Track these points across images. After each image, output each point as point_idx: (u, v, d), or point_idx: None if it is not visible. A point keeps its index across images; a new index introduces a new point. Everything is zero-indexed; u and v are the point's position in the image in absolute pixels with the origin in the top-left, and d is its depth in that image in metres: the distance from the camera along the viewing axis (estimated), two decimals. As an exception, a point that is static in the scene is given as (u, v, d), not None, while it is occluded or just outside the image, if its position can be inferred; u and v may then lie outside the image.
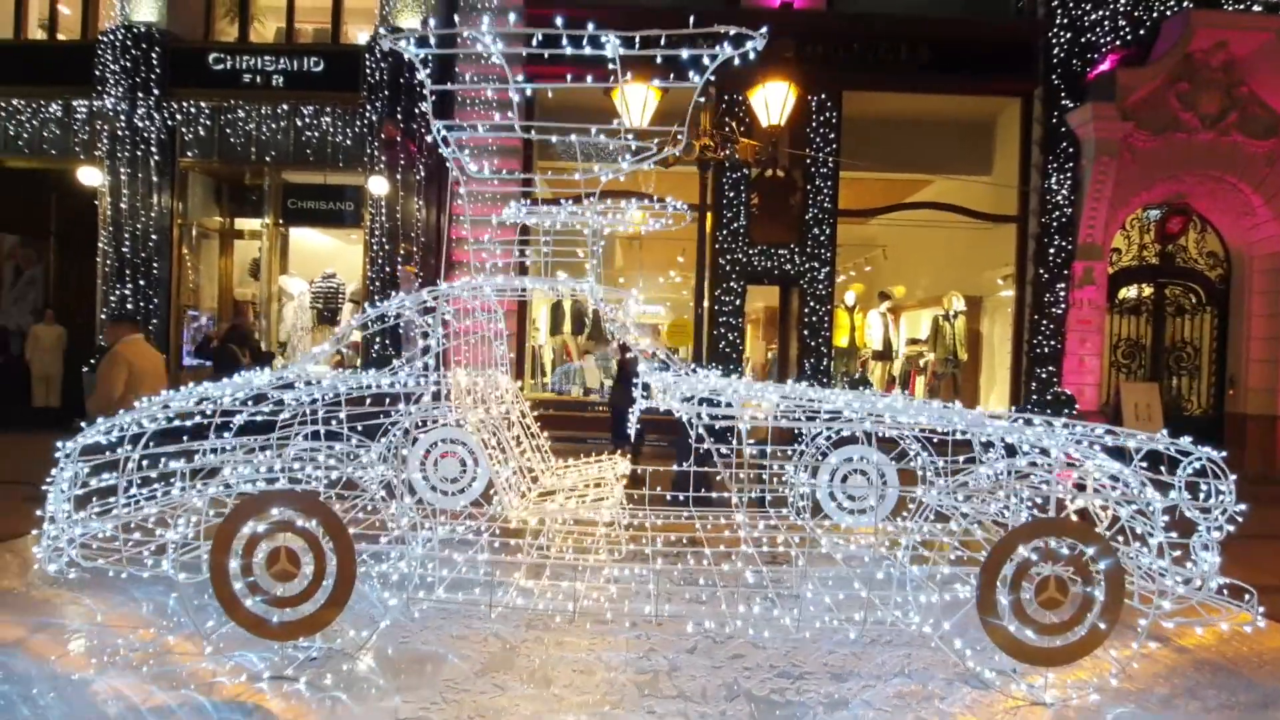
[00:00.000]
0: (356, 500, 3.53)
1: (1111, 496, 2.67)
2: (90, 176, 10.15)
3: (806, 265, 11.24)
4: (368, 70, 9.78)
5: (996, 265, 12.15)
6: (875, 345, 12.42)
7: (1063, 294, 10.85)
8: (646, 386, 3.32)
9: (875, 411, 3.11)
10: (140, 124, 10.01)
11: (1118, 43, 10.77)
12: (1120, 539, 2.79)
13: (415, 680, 2.61)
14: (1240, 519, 2.71)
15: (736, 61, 2.87)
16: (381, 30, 3.01)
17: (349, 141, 10.23)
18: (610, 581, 3.25)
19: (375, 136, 9.79)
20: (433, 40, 3.00)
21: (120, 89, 9.94)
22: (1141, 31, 10.73)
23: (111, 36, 9.96)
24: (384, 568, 2.99)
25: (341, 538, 2.61)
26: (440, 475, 4.07)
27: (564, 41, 2.61)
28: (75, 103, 10.24)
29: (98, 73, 9.95)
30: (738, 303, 11.29)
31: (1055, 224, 10.90)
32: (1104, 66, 10.69)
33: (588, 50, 2.62)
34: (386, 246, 9.93)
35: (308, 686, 2.53)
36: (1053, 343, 10.91)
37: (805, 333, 11.29)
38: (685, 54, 2.75)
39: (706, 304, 11.33)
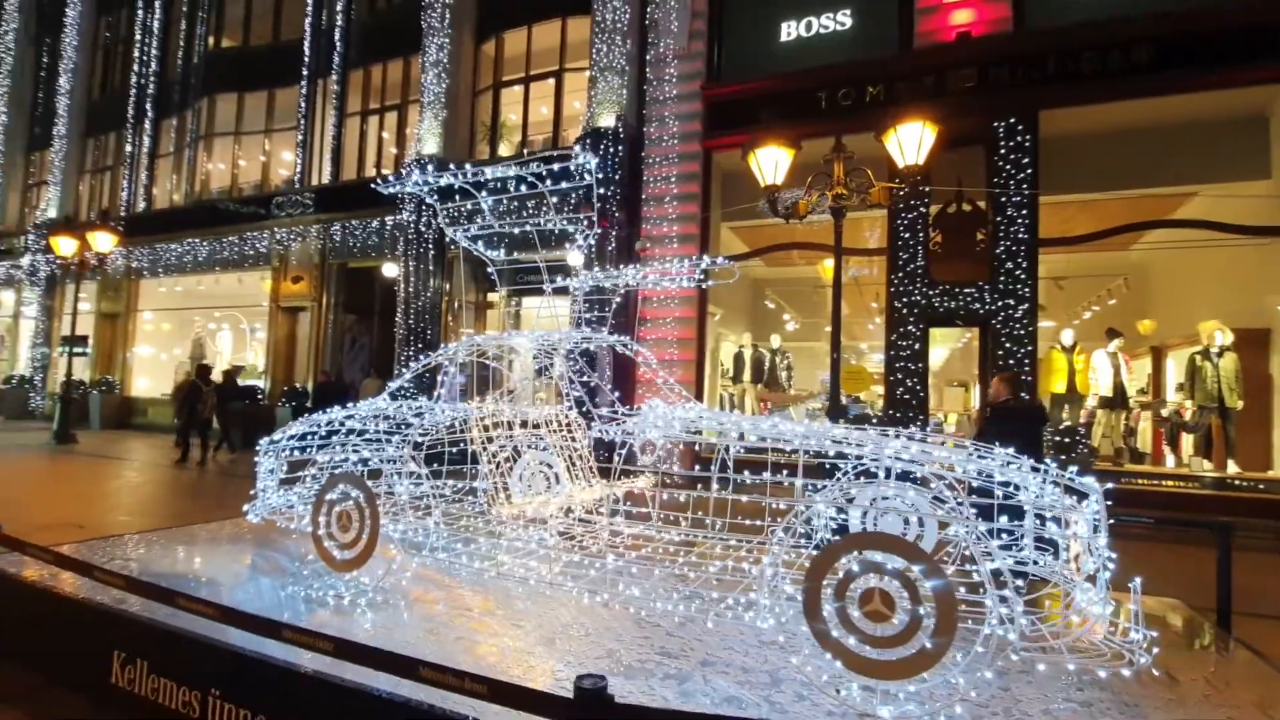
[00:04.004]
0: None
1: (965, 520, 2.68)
2: (392, 270, 14.00)
3: (1000, 303, 10.33)
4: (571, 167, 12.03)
5: (1278, 289, 9.68)
6: (1103, 390, 10.63)
7: (1384, 321, 8.31)
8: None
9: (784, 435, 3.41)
10: (424, 229, 13.56)
11: None
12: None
13: (408, 607, 3.71)
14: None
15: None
16: (377, 181, 4.68)
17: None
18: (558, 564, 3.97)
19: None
20: (418, 177, 4.40)
21: (413, 205, 13.63)
22: None
23: (408, 168, 13.77)
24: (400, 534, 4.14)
25: (373, 506, 3.86)
26: (528, 488, 5.22)
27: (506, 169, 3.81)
28: (388, 219, 14.30)
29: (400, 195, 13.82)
30: (917, 347, 10.77)
31: (1362, 231, 8.51)
32: None
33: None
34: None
35: (349, 603, 3.79)
36: (1373, 385, 8.35)
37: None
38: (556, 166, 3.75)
39: (884, 350, 11.08)
